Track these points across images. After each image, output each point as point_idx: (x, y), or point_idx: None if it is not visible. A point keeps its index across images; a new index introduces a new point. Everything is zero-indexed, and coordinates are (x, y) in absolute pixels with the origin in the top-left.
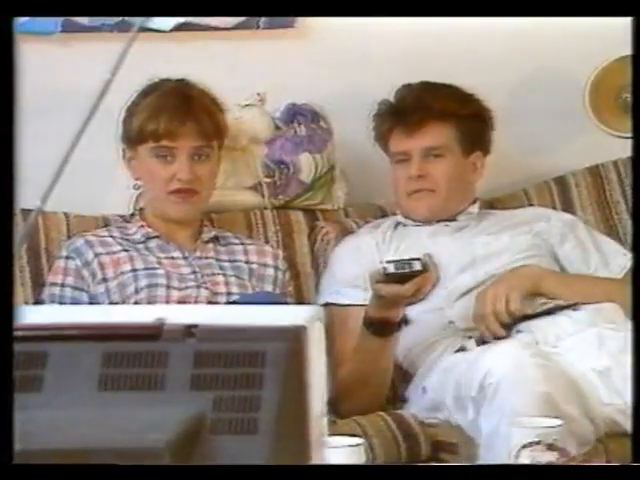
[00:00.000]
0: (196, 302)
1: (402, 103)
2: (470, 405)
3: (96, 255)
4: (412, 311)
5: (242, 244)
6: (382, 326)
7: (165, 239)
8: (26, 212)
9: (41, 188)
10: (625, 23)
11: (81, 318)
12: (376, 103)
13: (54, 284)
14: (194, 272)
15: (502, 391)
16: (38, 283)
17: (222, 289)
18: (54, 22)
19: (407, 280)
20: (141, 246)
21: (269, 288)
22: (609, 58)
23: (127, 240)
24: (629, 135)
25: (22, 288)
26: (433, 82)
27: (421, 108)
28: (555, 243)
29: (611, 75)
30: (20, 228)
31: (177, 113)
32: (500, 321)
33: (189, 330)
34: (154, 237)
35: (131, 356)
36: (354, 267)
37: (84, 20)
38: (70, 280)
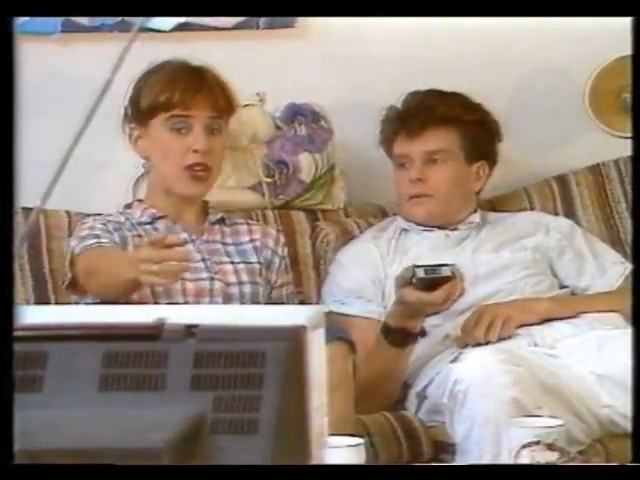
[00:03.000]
0: (211, 295)
1: (407, 108)
2: (444, 410)
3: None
4: None
5: (247, 224)
6: (401, 336)
7: (172, 220)
8: (27, 210)
9: (42, 187)
10: (625, 23)
11: (81, 318)
12: (384, 109)
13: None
14: (203, 259)
15: (471, 397)
16: (39, 282)
17: (233, 279)
18: (54, 22)
19: (435, 287)
20: (149, 227)
21: (271, 275)
22: (609, 58)
23: (132, 224)
24: (629, 135)
25: (23, 287)
26: (440, 90)
27: (424, 112)
28: (553, 257)
29: (611, 75)
30: (21, 227)
31: (191, 83)
32: (486, 341)
33: (189, 330)
34: (161, 217)
35: (131, 356)
36: (359, 277)
37: (84, 20)
38: (99, 227)
